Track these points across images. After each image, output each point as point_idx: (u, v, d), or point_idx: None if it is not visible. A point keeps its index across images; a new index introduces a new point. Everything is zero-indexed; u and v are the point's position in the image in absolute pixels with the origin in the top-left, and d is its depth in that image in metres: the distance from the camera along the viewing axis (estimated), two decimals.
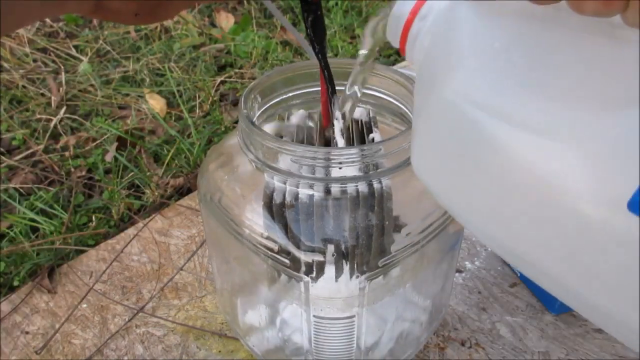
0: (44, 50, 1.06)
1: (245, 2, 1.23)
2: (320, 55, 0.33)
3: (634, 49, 0.19)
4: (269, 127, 0.37)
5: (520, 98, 0.20)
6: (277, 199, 0.34)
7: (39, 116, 0.85)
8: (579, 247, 0.19)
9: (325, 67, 0.33)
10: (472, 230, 0.24)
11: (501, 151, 0.20)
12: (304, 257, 0.33)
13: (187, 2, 0.30)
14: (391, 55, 1.08)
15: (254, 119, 0.37)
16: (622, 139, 0.18)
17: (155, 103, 0.89)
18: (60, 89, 0.93)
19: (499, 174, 0.21)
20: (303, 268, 0.33)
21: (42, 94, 0.92)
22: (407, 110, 0.38)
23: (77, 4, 0.25)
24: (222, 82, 0.96)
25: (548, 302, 0.50)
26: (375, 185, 0.33)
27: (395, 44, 0.28)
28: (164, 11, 0.28)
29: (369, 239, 0.33)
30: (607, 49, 0.20)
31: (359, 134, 0.38)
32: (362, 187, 0.33)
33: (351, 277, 0.34)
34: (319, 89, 0.40)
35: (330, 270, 0.33)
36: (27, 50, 1.03)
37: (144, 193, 0.70)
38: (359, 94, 0.34)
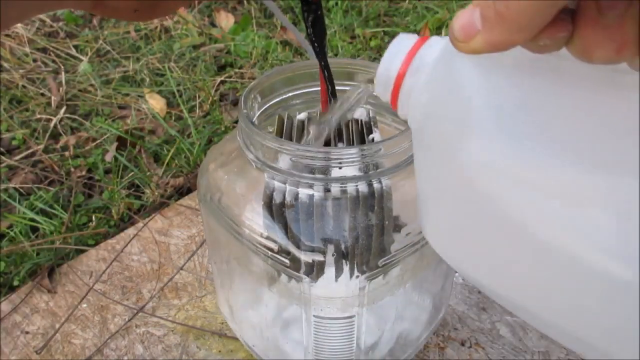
0: (44, 50, 1.06)
1: (245, 1, 1.23)
2: (320, 55, 0.33)
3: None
4: (301, 116, 0.38)
5: (539, 161, 0.19)
6: (277, 199, 0.34)
7: (38, 116, 0.85)
8: (610, 310, 0.19)
9: (325, 67, 0.33)
10: (495, 298, 0.23)
11: (523, 216, 0.19)
12: (304, 257, 0.33)
13: (186, 0, 0.30)
14: None
15: (254, 118, 0.37)
16: None
17: (155, 103, 0.89)
18: (60, 88, 0.93)
19: (527, 242, 0.20)
20: (303, 268, 0.33)
21: (42, 94, 0.92)
22: None
23: (76, 1, 0.25)
24: (222, 82, 0.96)
25: None
26: (375, 185, 0.33)
27: (385, 99, 0.26)
28: (163, 8, 0.28)
29: (369, 238, 0.33)
30: (616, 101, 0.19)
31: (358, 134, 0.38)
32: (362, 187, 0.33)
33: (351, 277, 0.34)
34: (319, 88, 0.40)
35: (330, 270, 0.33)
36: (27, 50, 1.03)
37: (144, 193, 0.70)
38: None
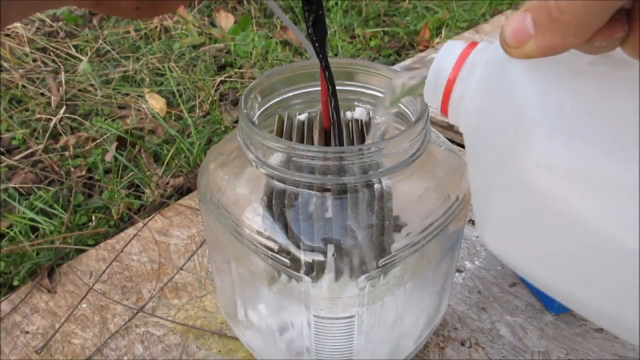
0: (43, 49, 1.06)
1: (245, 1, 1.23)
2: (321, 55, 0.33)
3: None
4: (302, 117, 0.37)
5: (606, 162, 0.19)
6: (277, 198, 0.34)
7: (38, 116, 0.85)
8: None
9: (325, 66, 0.33)
10: (560, 298, 0.24)
11: (590, 216, 0.19)
12: (304, 257, 0.33)
13: None
14: (390, 55, 1.08)
15: (254, 118, 0.37)
16: None
17: (155, 103, 0.89)
18: (60, 88, 0.93)
19: (588, 240, 0.20)
20: (303, 268, 0.33)
21: (42, 94, 0.92)
22: (406, 110, 0.38)
23: None
24: (222, 82, 0.96)
25: (548, 302, 0.50)
26: (375, 185, 0.33)
27: (435, 106, 0.26)
28: (164, 6, 0.28)
29: (369, 238, 0.33)
30: None
31: (359, 133, 0.38)
32: (362, 187, 0.33)
33: (351, 277, 0.34)
34: (319, 88, 0.40)
35: (330, 270, 0.33)
36: (27, 49, 1.03)
37: (143, 193, 0.70)
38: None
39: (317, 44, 0.32)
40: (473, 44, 0.25)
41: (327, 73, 0.34)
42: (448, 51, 0.25)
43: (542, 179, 0.20)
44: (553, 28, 0.18)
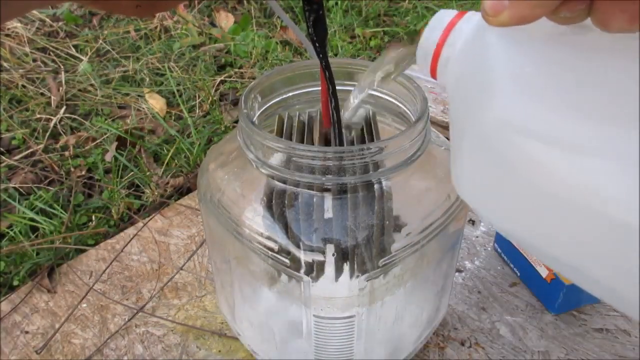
0: (43, 49, 1.06)
1: (245, 1, 1.23)
2: (321, 55, 0.33)
3: None
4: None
5: (557, 118, 0.21)
6: (277, 198, 0.34)
7: (38, 116, 0.85)
8: (620, 252, 0.20)
9: (326, 66, 0.33)
10: (517, 241, 0.26)
11: (542, 170, 0.21)
12: (304, 256, 0.33)
13: None
14: None
15: (254, 118, 0.37)
16: None
17: (155, 103, 0.89)
18: (60, 88, 0.93)
19: (540, 191, 0.22)
20: (303, 268, 0.33)
21: (42, 94, 0.92)
22: (406, 110, 0.38)
23: None
24: (222, 82, 0.96)
25: (548, 302, 0.50)
26: (376, 185, 0.33)
27: (426, 70, 0.29)
28: (164, 3, 0.28)
29: (369, 238, 0.33)
30: (634, 64, 0.21)
31: (359, 133, 0.38)
32: (362, 187, 0.33)
33: (351, 277, 0.34)
34: (319, 88, 0.40)
35: (330, 270, 0.33)
36: (27, 49, 1.03)
37: (143, 193, 0.70)
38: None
39: (317, 44, 0.32)
40: (462, 13, 0.27)
41: (327, 73, 0.34)
42: (439, 19, 0.27)
43: (501, 133, 0.22)
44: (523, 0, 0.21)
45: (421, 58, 0.28)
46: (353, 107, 0.35)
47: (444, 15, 0.27)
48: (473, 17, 0.26)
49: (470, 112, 0.25)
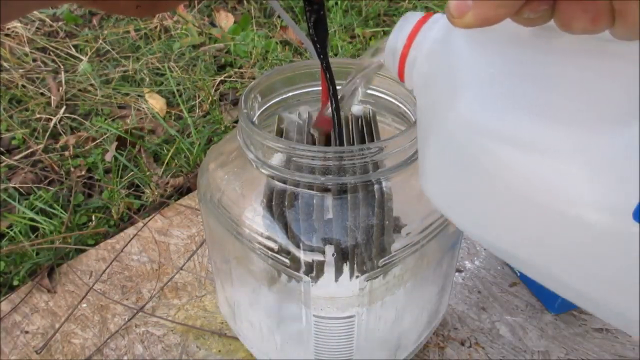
0: (43, 49, 1.06)
1: (245, 1, 1.23)
2: (322, 56, 0.33)
3: (626, 62, 0.20)
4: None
5: (520, 120, 0.21)
6: (277, 198, 0.34)
7: (38, 116, 0.85)
8: (586, 253, 0.20)
9: (326, 67, 0.33)
10: (484, 244, 0.26)
11: (505, 171, 0.21)
12: (304, 256, 0.33)
13: None
14: None
15: (254, 118, 0.37)
16: (623, 153, 0.19)
17: (155, 102, 0.89)
18: (60, 88, 0.93)
19: (505, 192, 0.22)
20: (303, 268, 0.33)
21: (42, 94, 0.92)
22: (406, 110, 0.38)
23: None
24: (222, 82, 0.96)
25: (548, 302, 0.50)
26: (376, 185, 0.33)
27: (394, 71, 0.29)
28: (164, 4, 0.28)
29: (369, 238, 0.33)
30: (599, 65, 0.21)
31: (359, 133, 0.38)
32: (362, 187, 0.33)
33: (351, 277, 0.34)
34: (319, 88, 0.40)
35: (330, 270, 0.33)
36: (27, 49, 1.03)
37: (143, 193, 0.70)
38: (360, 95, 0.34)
39: (318, 45, 0.32)
40: (429, 15, 0.27)
41: (328, 74, 0.34)
42: (406, 20, 0.27)
43: (465, 134, 0.23)
44: (486, 1, 0.21)
45: (389, 60, 0.28)
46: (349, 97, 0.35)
47: (411, 17, 0.27)
48: (440, 19, 0.26)
49: (436, 113, 0.25)
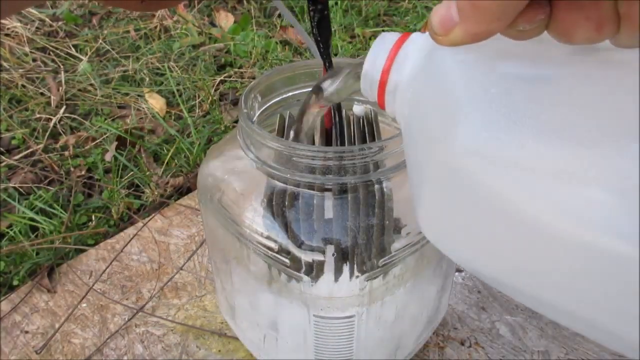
0: (43, 49, 1.06)
1: (245, 1, 1.23)
2: (325, 56, 0.33)
3: (633, 71, 0.19)
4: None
5: (529, 145, 0.19)
6: (277, 198, 0.34)
7: (38, 115, 0.85)
8: (605, 285, 0.18)
9: (329, 67, 0.33)
10: (496, 286, 0.23)
11: (519, 199, 0.19)
12: (304, 256, 0.33)
13: None
14: None
15: (254, 118, 0.37)
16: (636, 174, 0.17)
17: (155, 102, 0.89)
18: (60, 88, 0.93)
19: (519, 223, 0.19)
20: (303, 268, 0.33)
21: (42, 94, 0.92)
22: None
23: None
24: (222, 82, 0.96)
25: None
26: (376, 184, 0.33)
27: (372, 99, 0.26)
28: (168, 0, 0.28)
29: (369, 238, 0.33)
30: (601, 76, 0.19)
31: (360, 133, 0.38)
32: (362, 186, 0.33)
33: (351, 276, 0.34)
34: None
35: (330, 269, 0.33)
36: (27, 49, 1.03)
37: (143, 192, 0.70)
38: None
39: (321, 45, 0.32)
40: (406, 35, 0.25)
41: None
42: (382, 42, 0.25)
43: (469, 165, 0.20)
44: (476, 14, 0.18)
45: (366, 87, 0.26)
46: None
47: (387, 38, 0.25)
48: (420, 37, 0.24)
49: (430, 144, 0.22)
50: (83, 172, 0.74)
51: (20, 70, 0.98)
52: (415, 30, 1.06)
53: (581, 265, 0.18)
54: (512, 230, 0.20)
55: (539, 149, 0.18)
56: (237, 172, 0.37)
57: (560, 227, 0.18)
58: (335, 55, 1.04)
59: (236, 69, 0.99)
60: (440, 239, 0.24)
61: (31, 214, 0.65)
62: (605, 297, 0.19)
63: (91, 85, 0.94)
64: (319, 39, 0.32)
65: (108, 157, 0.76)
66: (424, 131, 0.23)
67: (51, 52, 1.04)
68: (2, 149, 0.79)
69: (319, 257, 0.33)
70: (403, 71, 0.24)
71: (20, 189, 0.71)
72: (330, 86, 0.29)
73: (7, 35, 1.07)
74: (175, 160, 0.75)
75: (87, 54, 1.03)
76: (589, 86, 0.19)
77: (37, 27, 1.13)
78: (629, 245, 0.17)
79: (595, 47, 0.19)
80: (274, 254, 0.34)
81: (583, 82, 0.20)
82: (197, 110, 0.88)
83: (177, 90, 0.91)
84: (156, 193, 0.68)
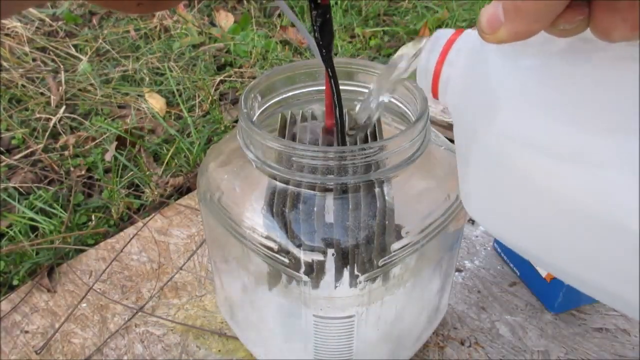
0: (43, 49, 1.05)
1: (245, 1, 1.23)
2: (327, 60, 0.33)
3: None
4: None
5: (562, 131, 0.21)
6: (278, 198, 0.34)
7: (38, 115, 0.85)
8: (625, 258, 0.20)
9: (332, 73, 0.33)
10: (533, 260, 0.26)
11: (550, 183, 0.22)
12: (304, 256, 0.33)
13: None
14: (390, 54, 1.08)
15: (254, 118, 0.37)
16: None
17: (155, 102, 0.89)
18: (60, 88, 0.93)
19: (550, 205, 0.22)
20: (303, 268, 0.33)
21: (42, 93, 0.92)
22: (407, 110, 0.38)
23: None
24: (222, 82, 0.96)
25: (547, 301, 0.50)
26: (376, 184, 0.33)
27: (427, 90, 0.29)
28: (165, 2, 0.28)
29: (369, 238, 0.33)
30: (631, 72, 0.21)
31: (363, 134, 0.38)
32: (363, 186, 0.33)
33: (351, 276, 0.34)
34: (318, 88, 0.40)
35: (330, 269, 0.33)
36: (27, 49, 1.03)
37: (143, 192, 0.70)
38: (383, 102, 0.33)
39: (324, 49, 0.32)
40: (460, 31, 0.27)
41: (332, 80, 0.33)
42: (437, 38, 0.27)
43: (506, 149, 0.23)
44: (518, 15, 0.20)
45: (421, 78, 0.28)
46: (365, 110, 0.33)
47: (442, 35, 0.27)
48: (471, 34, 0.26)
49: (475, 131, 0.25)
50: (83, 172, 0.74)
51: (20, 70, 0.98)
52: (415, 30, 1.06)
53: (597, 237, 0.21)
54: (543, 210, 0.22)
55: (569, 136, 0.21)
56: (237, 172, 0.37)
57: (581, 203, 0.21)
58: (335, 54, 1.04)
59: (236, 69, 0.99)
60: (481, 216, 0.27)
61: (31, 214, 0.65)
62: (615, 264, 0.21)
63: (91, 85, 0.94)
64: (321, 42, 0.32)
65: (108, 156, 0.76)
66: (470, 119, 0.26)
67: (51, 52, 1.04)
68: (2, 148, 0.79)
69: (319, 257, 0.33)
70: (455, 64, 0.27)
71: (20, 189, 0.71)
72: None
73: (7, 35, 1.07)
74: (175, 160, 0.75)
75: (87, 54, 1.03)
76: (621, 82, 0.21)
77: (37, 27, 1.13)
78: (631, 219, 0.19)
79: (633, 44, 0.20)
80: (274, 254, 0.34)
81: (617, 78, 0.21)
82: (197, 110, 0.88)
83: (177, 90, 0.91)
84: (156, 193, 0.68)
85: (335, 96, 0.33)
